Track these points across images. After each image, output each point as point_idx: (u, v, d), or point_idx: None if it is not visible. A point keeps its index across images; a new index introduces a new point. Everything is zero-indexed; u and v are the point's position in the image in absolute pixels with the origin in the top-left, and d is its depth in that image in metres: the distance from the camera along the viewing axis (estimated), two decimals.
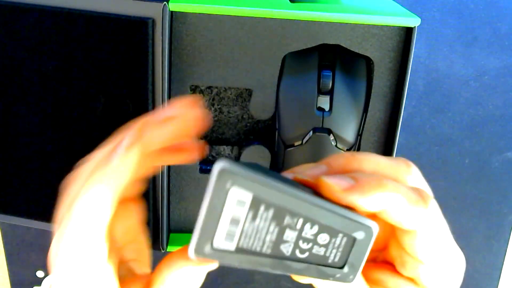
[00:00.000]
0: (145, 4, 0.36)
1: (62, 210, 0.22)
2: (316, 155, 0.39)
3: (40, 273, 0.63)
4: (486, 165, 0.60)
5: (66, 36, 0.37)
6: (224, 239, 0.19)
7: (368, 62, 0.40)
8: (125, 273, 0.25)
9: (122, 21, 0.36)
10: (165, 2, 0.35)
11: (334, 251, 0.21)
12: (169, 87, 0.38)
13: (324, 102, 0.39)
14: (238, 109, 0.43)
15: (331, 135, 0.39)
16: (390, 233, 0.25)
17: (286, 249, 0.21)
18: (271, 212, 0.20)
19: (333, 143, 0.39)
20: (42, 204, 0.42)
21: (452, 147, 0.59)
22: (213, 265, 0.22)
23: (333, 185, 0.21)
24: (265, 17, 0.37)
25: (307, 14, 0.36)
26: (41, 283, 0.64)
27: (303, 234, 0.20)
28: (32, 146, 0.40)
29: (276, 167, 0.42)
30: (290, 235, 0.20)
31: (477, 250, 0.63)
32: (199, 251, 0.19)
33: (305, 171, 0.23)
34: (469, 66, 0.56)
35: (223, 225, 0.19)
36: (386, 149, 0.41)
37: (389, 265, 0.26)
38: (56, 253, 0.22)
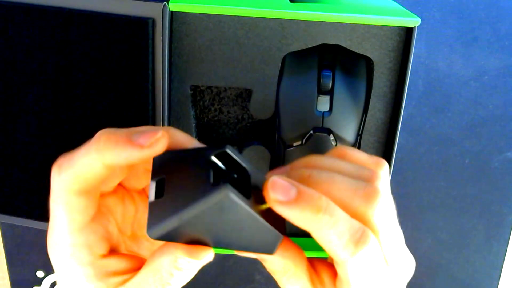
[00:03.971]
0: (145, 4, 0.36)
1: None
2: None
3: (40, 273, 0.63)
4: (486, 165, 0.60)
5: (66, 36, 0.37)
6: None
7: (368, 62, 0.40)
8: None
9: (122, 21, 0.36)
10: (165, 2, 0.35)
11: None
12: (169, 87, 0.38)
13: (324, 102, 0.39)
14: (238, 109, 0.43)
15: (331, 135, 0.39)
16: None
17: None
18: None
19: (333, 143, 0.39)
20: (42, 204, 0.42)
21: (452, 147, 0.59)
22: (208, 258, 0.23)
23: (273, 196, 0.22)
24: (265, 17, 0.37)
25: (307, 14, 0.36)
26: (41, 283, 0.64)
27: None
28: (32, 146, 0.40)
29: (276, 167, 0.42)
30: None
31: (477, 250, 0.63)
32: None
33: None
34: (469, 66, 0.56)
35: None
36: (386, 149, 0.41)
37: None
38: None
